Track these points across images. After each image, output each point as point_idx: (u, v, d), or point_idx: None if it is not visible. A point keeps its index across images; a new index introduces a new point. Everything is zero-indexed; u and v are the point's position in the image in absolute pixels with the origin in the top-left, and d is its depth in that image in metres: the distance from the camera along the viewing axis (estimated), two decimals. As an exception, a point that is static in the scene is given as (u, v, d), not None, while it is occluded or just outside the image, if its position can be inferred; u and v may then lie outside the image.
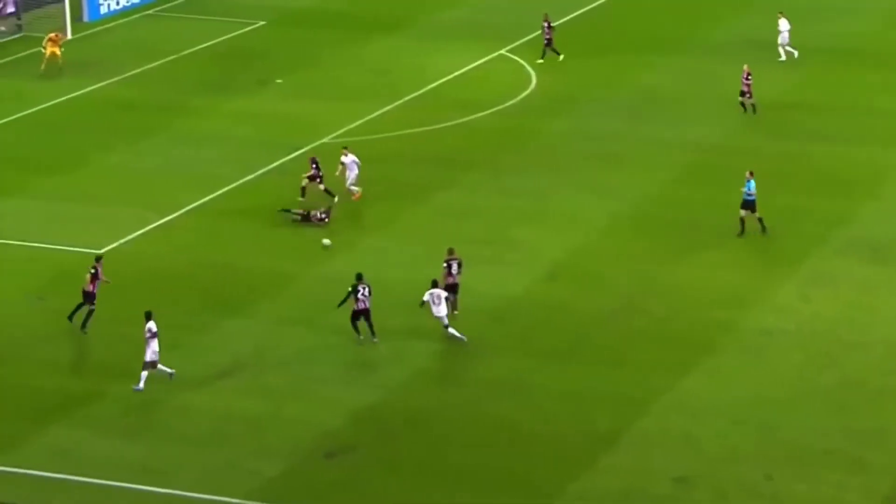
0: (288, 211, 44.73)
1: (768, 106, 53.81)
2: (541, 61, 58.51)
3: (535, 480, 32.27)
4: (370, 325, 37.93)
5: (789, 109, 54.16)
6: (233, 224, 44.95)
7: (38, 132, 52.74)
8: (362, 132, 52.44)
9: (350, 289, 37.80)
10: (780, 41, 58.42)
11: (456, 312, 38.94)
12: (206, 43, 62.12)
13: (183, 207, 45.54)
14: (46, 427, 34.09)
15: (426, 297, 37.86)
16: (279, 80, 57.83)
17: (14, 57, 60.44)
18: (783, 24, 58.48)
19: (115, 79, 58.02)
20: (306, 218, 44.45)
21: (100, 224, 44.72)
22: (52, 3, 65.37)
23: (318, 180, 45.95)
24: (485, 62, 59.42)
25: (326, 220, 44.43)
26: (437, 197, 46.85)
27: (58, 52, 57.96)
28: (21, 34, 63.43)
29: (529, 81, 57.49)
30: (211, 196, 46.79)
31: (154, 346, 35.44)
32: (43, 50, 58.30)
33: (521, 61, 59.64)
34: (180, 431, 33.97)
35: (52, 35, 58.51)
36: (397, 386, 36.01)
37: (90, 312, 38.23)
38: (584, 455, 33.08)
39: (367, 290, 37.95)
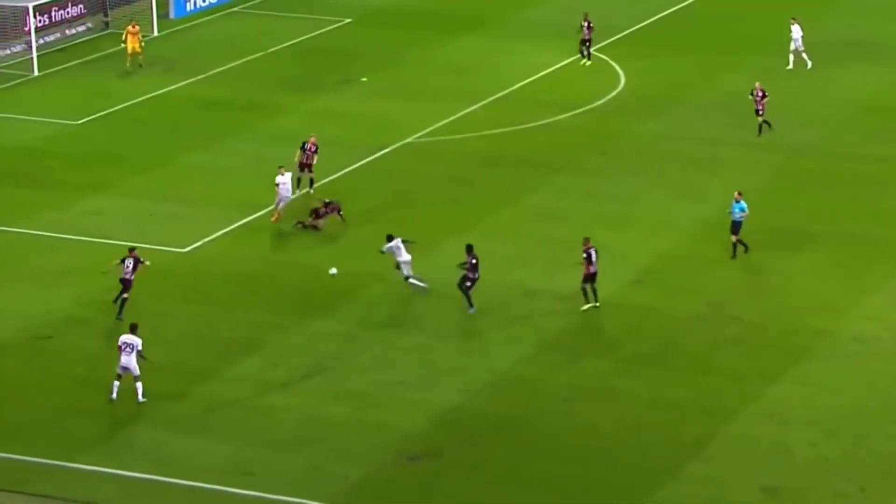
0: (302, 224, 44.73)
1: (865, 109, 53.32)
2: (588, 63, 58.00)
3: (620, 489, 32.24)
4: (468, 296, 39.08)
5: (888, 112, 53.62)
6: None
7: (124, 130, 53.39)
8: (446, 132, 52.61)
9: (472, 260, 39.15)
10: (791, 47, 57.13)
11: (597, 305, 39.30)
12: (291, 41, 62.58)
13: (266, 207, 45.92)
14: (130, 427, 34.54)
15: (385, 249, 40.32)
16: (364, 79, 58.14)
17: (101, 54, 61.20)
18: (796, 31, 57.09)
19: (200, 76, 58.61)
20: (315, 222, 44.40)
21: (183, 223, 45.20)
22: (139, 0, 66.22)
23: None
24: (572, 61, 59.33)
25: (325, 216, 44.39)
26: (523, 199, 46.88)
27: (138, 47, 58.35)
28: (108, 31, 64.23)
29: (618, 81, 57.37)
30: (295, 195, 47.11)
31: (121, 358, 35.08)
32: (124, 44, 58.91)
33: (610, 61, 59.51)
34: (264, 433, 34.29)
35: (130, 27, 58.96)
36: (482, 390, 36.10)
37: (124, 301, 39.02)
38: (670, 463, 32.99)
39: (475, 260, 39.12)
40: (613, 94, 55.99)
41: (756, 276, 41.48)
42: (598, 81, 57.21)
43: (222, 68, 59.52)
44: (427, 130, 52.72)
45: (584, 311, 39.52)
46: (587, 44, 58.30)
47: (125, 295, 39.39)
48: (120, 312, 39.14)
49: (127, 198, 46.89)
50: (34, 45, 59.92)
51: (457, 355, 37.68)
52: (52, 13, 63.43)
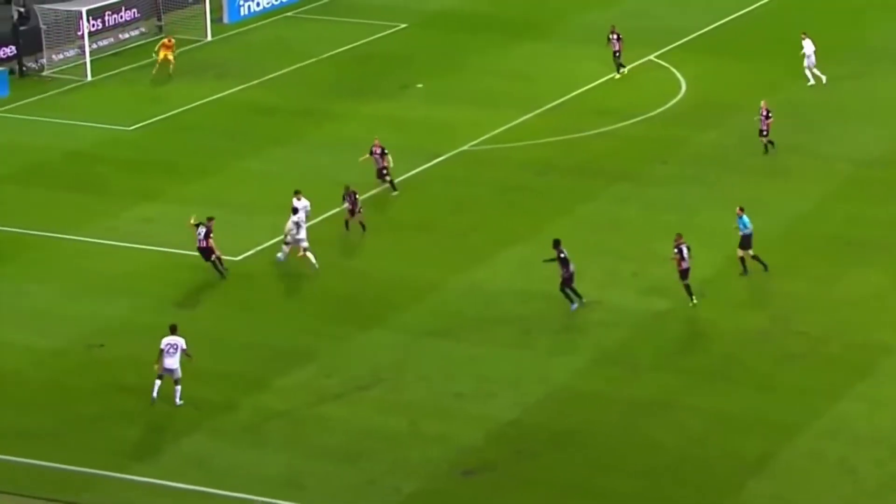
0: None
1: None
2: (618, 76, 57.68)
3: (681, 506, 32.00)
4: (573, 291, 39.61)
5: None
6: (370, 232, 45.19)
7: (176, 136, 53.56)
8: (503, 140, 52.44)
9: (561, 258, 39.50)
10: (805, 64, 56.26)
11: (694, 302, 39.52)
12: (346, 46, 62.59)
13: (320, 215, 45.88)
14: (183, 437, 34.55)
15: (289, 225, 41.58)
16: (420, 85, 58.09)
17: (154, 59, 61.31)
18: (808, 47, 56.23)
19: (254, 82, 58.73)
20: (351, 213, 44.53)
21: (237, 231, 45.21)
22: (193, 4, 66.44)
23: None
24: (632, 68, 59.06)
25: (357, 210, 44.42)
26: (580, 208, 46.66)
27: (171, 58, 58.49)
28: (161, 35, 64.45)
29: (679, 88, 57.04)
30: (348, 204, 47.05)
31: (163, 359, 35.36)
32: (155, 55, 58.99)
33: (671, 67, 59.20)
34: (318, 444, 34.22)
35: (165, 40, 59.09)
36: (538, 403, 35.91)
37: (216, 262, 41.54)
38: (731, 481, 32.67)
39: (566, 252, 39.58)
40: (674, 101, 55.67)
41: (821, 289, 41.06)
42: (658, 88, 56.90)
43: (276, 74, 59.63)
44: (483, 138, 52.57)
45: (693, 306, 39.73)
46: (617, 55, 57.84)
47: (213, 259, 41.66)
48: (221, 273, 41.72)
49: (179, 205, 46.97)
50: (87, 49, 60.26)
51: (513, 367, 37.49)
52: (106, 17, 63.80)
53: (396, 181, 48.17)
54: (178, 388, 35.60)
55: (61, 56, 61.20)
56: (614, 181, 48.61)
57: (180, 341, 35.67)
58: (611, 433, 34.62)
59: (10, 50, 60.80)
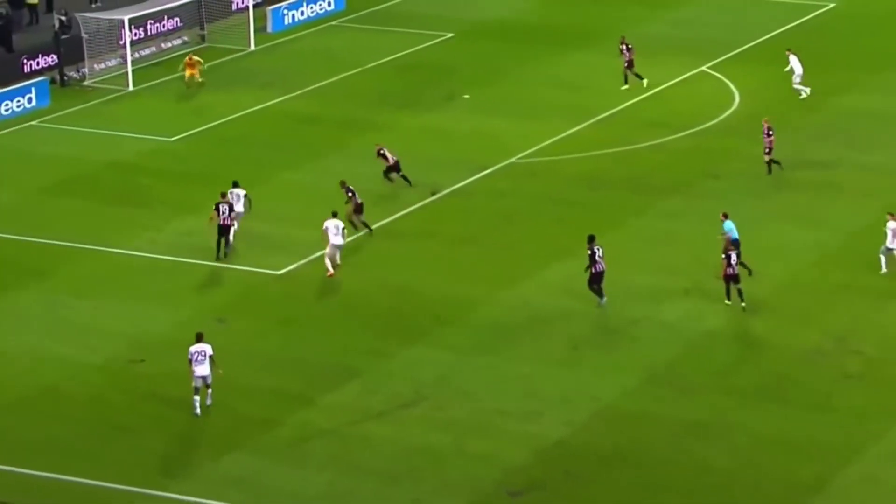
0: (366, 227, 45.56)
1: None
2: (626, 87, 57.42)
3: (733, 530, 31.77)
4: (599, 290, 40.25)
5: None
6: (415, 246, 45.17)
7: (219, 147, 53.70)
8: (551, 152, 52.31)
9: (588, 253, 40.35)
10: (794, 81, 55.94)
11: (743, 304, 39.66)
12: (391, 55, 62.62)
13: (364, 228, 45.86)
14: (223, 454, 34.57)
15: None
16: (466, 96, 58.06)
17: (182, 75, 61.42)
18: (794, 63, 55.80)
19: (298, 92, 58.85)
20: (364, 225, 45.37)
21: (280, 244, 45.30)
22: (236, 13, 66.67)
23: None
24: (684, 79, 58.84)
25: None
26: (630, 222, 46.48)
27: (196, 75, 58.37)
28: (204, 45, 64.74)
29: (732, 100, 56.78)
30: (393, 217, 47.11)
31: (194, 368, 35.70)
32: (181, 72, 58.91)
33: (724, 79, 58.93)
34: (362, 463, 34.16)
35: (188, 58, 58.91)
36: (587, 422, 35.74)
37: (228, 242, 43.67)
38: (787, 504, 32.48)
39: (601, 250, 40.37)
40: (727, 113, 55.40)
41: (879, 308, 40.71)
42: (710, 100, 56.65)
43: (320, 84, 59.74)
44: (531, 150, 52.47)
45: (728, 305, 40.09)
46: (629, 66, 57.59)
47: (229, 238, 43.82)
48: (220, 252, 43.65)
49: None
50: (129, 58, 60.52)
51: (560, 385, 37.35)
52: (148, 26, 64.06)
53: (441, 195, 48.16)
54: (210, 390, 35.92)
55: (103, 65, 61.49)
56: (666, 195, 48.40)
57: (207, 348, 35.94)
58: (660, 454, 34.42)
59: (52, 59, 61.15)
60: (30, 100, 57.77)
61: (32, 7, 65.37)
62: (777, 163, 49.61)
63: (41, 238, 45.95)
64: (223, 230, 43.82)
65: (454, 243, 45.09)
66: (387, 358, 38.66)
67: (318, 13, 68.51)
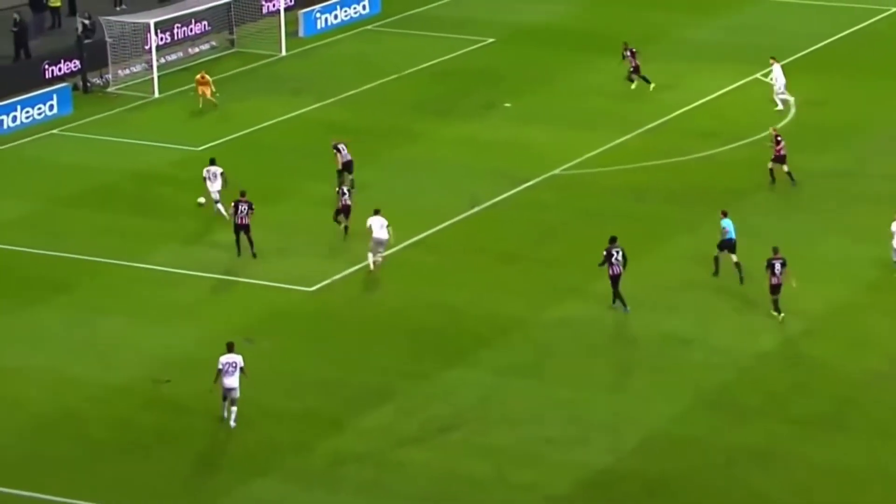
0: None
1: None
2: (633, 86, 57.80)
3: (789, 564, 31.61)
4: (618, 293, 40.93)
5: None
6: (454, 261, 45.16)
7: (247, 156, 53.80)
8: (597, 164, 52.24)
9: (605, 253, 40.96)
10: (776, 90, 55.86)
11: (782, 315, 40.32)
12: (429, 62, 62.68)
13: (399, 243, 45.91)
14: (252, 479, 34.61)
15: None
16: (507, 104, 58.07)
17: (225, 74, 61.78)
18: (777, 72, 55.71)
19: (330, 100, 58.98)
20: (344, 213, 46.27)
21: (312, 259, 45.38)
22: (267, 16, 66.81)
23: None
24: (736, 88, 58.72)
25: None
26: (678, 239, 46.36)
27: (210, 95, 57.68)
28: (234, 50, 64.95)
29: (787, 110, 56.59)
30: (431, 230, 47.12)
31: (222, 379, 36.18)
32: (193, 93, 58.09)
33: (778, 87, 58.79)
34: (398, 490, 34.16)
35: (198, 76, 58.24)
36: (634, 450, 35.64)
37: (251, 242, 44.83)
38: (846, 538, 32.33)
39: (620, 253, 40.65)
40: (782, 124, 55.19)
41: (944, 329, 40.53)
42: (764, 110, 56.45)
43: (354, 91, 59.86)
44: (575, 161, 52.42)
45: (780, 321, 40.43)
46: (636, 70, 57.97)
47: (248, 235, 44.88)
48: (240, 250, 44.91)
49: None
50: (155, 64, 60.76)
51: (606, 411, 37.26)
52: (175, 30, 64.31)
53: (480, 208, 48.16)
54: (235, 409, 36.17)
55: (127, 71, 61.74)
56: (716, 209, 48.11)
57: (238, 359, 36.24)
58: (711, 483, 34.28)
59: (74, 64, 61.46)
60: (51, 107, 58.12)
61: (54, 10, 65.78)
62: (789, 175, 49.65)
63: (61, 251, 46.18)
64: (241, 228, 44.93)
65: (495, 259, 45.06)
66: (424, 379, 38.64)
67: (352, 17, 68.69)
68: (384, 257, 44.47)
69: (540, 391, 38.09)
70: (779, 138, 49.82)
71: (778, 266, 40.57)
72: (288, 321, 41.82)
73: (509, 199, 49.66)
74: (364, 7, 69.40)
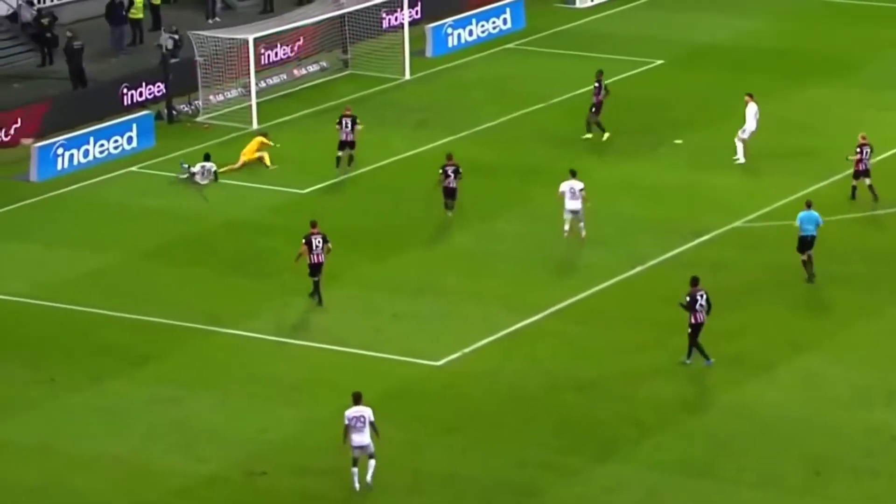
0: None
1: None
2: (589, 136, 58.03)
3: None
4: (696, 344, 42.71)
5: None
6: (612, 331, 45.31)
7: (363, 201, 54.22)
8: (787, 214, 51.74)
9: (687, 298, 42.65)
10: (740, 134, 55.87)
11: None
12: (581, 88, 62.46)
13: (547, 308, 46.18)
14: None
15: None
16: (678, 141, 58.22)
17: (337, 101, 62.22)
18: (750, 115, 55.77)
19: (464, 133, 59.42)
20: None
21: (437, 326, 45.71)
22: (387, 31, 67.25)
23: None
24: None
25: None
26: (889, 309, 46.07)
27: (266, 161, 56.91)
28: (347, 72, 65.66)
29: None
30: (582, 294, 47.33)
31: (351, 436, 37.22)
32: (245, 159, 57.11)
33: None
34: None
35: (261, 140, 57.24)
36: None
37: (316, 283, 46.40)
38: None
39: (704, 297, 42.43)
40: None
41: None
42: None
43: (492, 123, 60.34)
44: (760, 212, 52.42)
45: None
46: (595, 110, 57.78)
47: (317, 279, 46.36)
48: (320, 300, 46.57)
49: (363, 290, 47.67)
50: (254, 89, 61.46)
51: None
52: (278, 49, 65.01)
53: (643, 267, 48.33)
54: (373, 462, 37.41)
55: (220, 97, 62.52)
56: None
57: (367, 412, 37.27)
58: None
59: (158, 89, 62.35)
60: (130, 139, 59.02)
61: (136, 22, 66.63)
62: (872, 190, 50.72)
63: (144, 315, 46.90)
64: (316, 269, 46.48)
65: (661, 329, 45.11)
66: (573, 476, 38.79)
67: (490, 33, 69.21)
68: (582, 226, 49.36)
69: (713, 493, 38.02)
70: (863, 146, 49.76)
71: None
72: (409, 402, 42.17)
73: (679, 256, 49.76)
74: (505, 21, 69.82)
